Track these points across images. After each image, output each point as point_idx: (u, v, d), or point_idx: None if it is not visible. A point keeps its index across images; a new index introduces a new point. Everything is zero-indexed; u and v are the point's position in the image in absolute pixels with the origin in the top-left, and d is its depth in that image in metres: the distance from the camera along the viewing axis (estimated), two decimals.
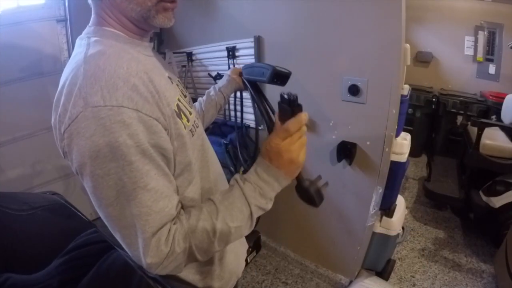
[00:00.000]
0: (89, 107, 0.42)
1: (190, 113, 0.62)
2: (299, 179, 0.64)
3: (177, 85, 0.66)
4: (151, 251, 0.47)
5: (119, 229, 0.48)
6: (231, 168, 1.68)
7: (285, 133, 0.56)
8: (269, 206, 0.59)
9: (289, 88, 1.55)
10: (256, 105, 0.77)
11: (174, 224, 0.51)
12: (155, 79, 0.52)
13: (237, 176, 0.59)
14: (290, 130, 0.56)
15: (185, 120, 0.58)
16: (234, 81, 0.98)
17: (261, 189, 0.56)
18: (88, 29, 0.55)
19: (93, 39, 0.51)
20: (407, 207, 2.29)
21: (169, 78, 0.62)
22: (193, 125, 0.62)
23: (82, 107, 0.42)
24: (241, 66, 0.93)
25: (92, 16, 0.56)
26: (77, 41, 0.55)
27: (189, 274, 0.67)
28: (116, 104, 0.43)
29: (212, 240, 0.52)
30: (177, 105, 0.57)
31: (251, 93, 0.81)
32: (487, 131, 1.98)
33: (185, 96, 0.67)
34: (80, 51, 0.50)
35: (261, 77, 0.75)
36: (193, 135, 0.60)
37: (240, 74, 0.94)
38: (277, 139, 0.56)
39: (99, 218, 0.51)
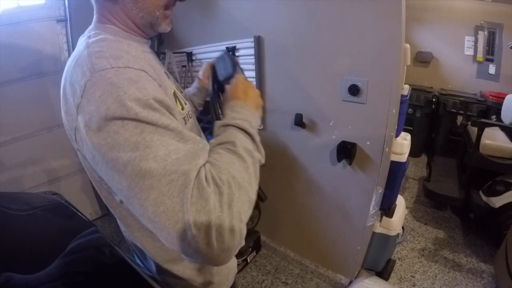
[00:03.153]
0: (95, 72, 0.42)
1: (186, 104, 0.65)
2: None
3: (173, 82, 0.69)
4: (193, 195, 0.39)
5: (148, 193, 0.39)
6: None
7: (244, 79, 0.65)
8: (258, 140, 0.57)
9: (290, 88, 1.56)
10: (212, 101, 0.71)
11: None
12: (153, 61, 0.57)
13: (218, 123, 0.56)
14: (246, 78, 0.66)
15: (179, 107, 0.60)
16: (204, 88, 0.87)
17: (250, 122, 0.56)
18: (92, 26, 0.58)
19: (93, 32, 0.54)
20: (407, 207, 2.29)
21: (165, 73, 0.65)
22: (187, 115, 0.64)
23: (89, 76, 0.42)
24: (206, 61, 0.84)
25: (95, 16, 0.58)
26: (80, 39, 0.56)
27: (186, 269, 0.67)
28: (122, 66, 0.44)
29: (246, 165, 0.48)
30: (174, 92, 0.60)
31: (214, 89, 0.74)
32: (487, 131, 1.98)
33: (181, 92, 0.70)
34: (82, 42, 0.51)
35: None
36: (185, 124, 0.62)
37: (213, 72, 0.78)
38: (241, 80, 0.64)
39: (99, 218, 0.51)
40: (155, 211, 0.39)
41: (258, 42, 1.49)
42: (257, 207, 1.80)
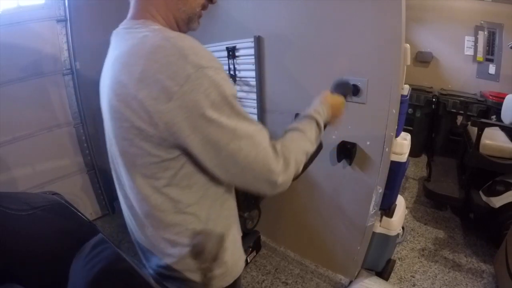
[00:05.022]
0: (199, 68, 0.51)
1: None
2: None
3: None
4: (274, 159, 0.58)
5: (246, 157, 0.56)
6: None
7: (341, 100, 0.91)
8: (324, 123, 0.78)
9: (290, 87, 1.56)
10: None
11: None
12: None
13: (303, 112, 0.78)
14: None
15: None
16: None
17: (322, 116, 0.78)
18: (135, 21, 0.60)
19: (154, 27, 0.58)
20: (407, 207, 2.29)
21: None
22: None
23: (192, 69, 0.51)
24: None
25: (135, 11, 0.61)
26: (123, 31, 0.60)
27: (193, 257, 0.69)
28: (216, 66, 0.54)
29: (306, 142, 0.69)
30: None
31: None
32: (487, 131, 1.98)
33: None
34: (145, 35, 0.55)
35: None
36: None
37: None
38: (340, 99, 0.91)
39: (99, 218, 0.51)
40: (249, 164, 0.56)
41: (258, 42, 1.49)
42: (257, 207, 1.80)
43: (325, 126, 0.81)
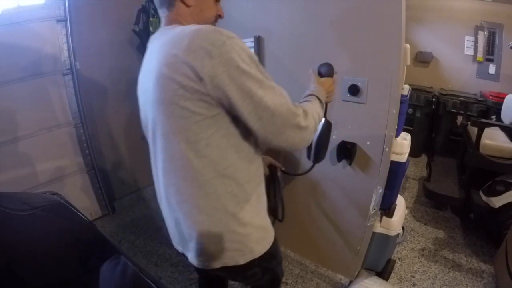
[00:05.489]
0: (230, 38, 0.68)
1: None
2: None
3: None
4: (294, 107, 0.73)
5: (273, 102, 0.69)
6: None
7: (331, 80, 0.98)
8: (323, 101, 0.90)
9: (290, 88, 1.56)
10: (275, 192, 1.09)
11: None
12: None
13: (307, 91, 0.91)
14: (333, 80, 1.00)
15: None
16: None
17: (322, 96, 0.90)
18: (169, 26, 0.77)
19: (185, 26, 0.74)
20: (407, 207, 2.29)
21: None
22: None
23: (226, 39, 0.67)
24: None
25: (168, 20, 0.79)
26: (160, 34, 0.78)
27: (250, 210, 0.78)
28: (240, 38, 0.71)
29: (317, 111, 0.82)
30: None
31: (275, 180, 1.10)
32: (487, 131, 1.98)
33: None
34: (183, 28, 0.70)
35: None
36: None
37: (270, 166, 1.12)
38: (331, 80, 0.98)
39: (99, 218, 0.51)
40: (278, 108, 0.70)
41: (258, 42, 1.49)
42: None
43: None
